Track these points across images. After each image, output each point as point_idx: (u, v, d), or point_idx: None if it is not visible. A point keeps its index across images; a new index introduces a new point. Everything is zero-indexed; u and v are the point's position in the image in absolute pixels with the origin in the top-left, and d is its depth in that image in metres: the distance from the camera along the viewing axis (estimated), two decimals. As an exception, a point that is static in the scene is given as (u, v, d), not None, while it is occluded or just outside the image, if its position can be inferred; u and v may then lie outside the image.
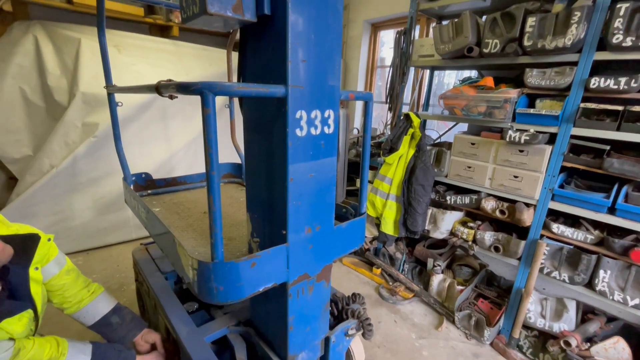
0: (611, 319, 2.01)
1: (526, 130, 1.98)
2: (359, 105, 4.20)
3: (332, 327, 1.53)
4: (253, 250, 1.25)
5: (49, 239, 1.36)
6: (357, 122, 4.17)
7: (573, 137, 1.89)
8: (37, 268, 1.29)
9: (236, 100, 2.41)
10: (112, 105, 1.80)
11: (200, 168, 3.16)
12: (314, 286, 1.24)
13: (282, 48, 0.91)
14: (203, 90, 0.79)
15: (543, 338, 2.11)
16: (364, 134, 1.33)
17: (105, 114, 2.84)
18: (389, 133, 3.02)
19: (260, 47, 1.01)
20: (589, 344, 1.87)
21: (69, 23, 2.95)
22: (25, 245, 1.25)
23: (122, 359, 1.38)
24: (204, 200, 2.01)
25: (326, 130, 1.08)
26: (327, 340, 1.47)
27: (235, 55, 2.92)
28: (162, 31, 3.67)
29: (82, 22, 3.06)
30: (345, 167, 1.34)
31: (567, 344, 1.86)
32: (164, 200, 2.04)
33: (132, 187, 1.96)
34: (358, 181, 3.23)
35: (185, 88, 0.85)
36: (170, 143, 3.36)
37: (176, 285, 1.92)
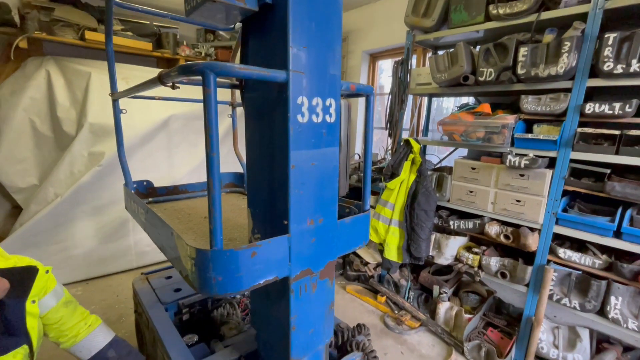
0: (628, 348, 1.93)
1: (525, 155, 2.00)
2: (359, 128, 4.27)
3: (336, 361, 1.48)
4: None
5: (47, 271, 1.35)
6: (358, 147, 4.23)
7: (572, 160, 1.90)
8: (34, 301, 1.27)
9: (238, 110, 2.45)
10: (117, 112, 1.81)
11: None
12: (318, 284, 1.19)
13: (284, 34, 0.93)
14: (204, 70, 0.81)
15: (558, 370, 2.02)
16: (366, 128, 1.32)
17: (111, 144, 2.90)
18: (390, 158, 3.05)
19: (261, 35, 1.03)
20: (606, 377, 1.78)
21: (80, 58, 3.09)
22: (22, 278, 1.23)
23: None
24: (205, 207, 1.99)
25: (328, 119, 1.08)
26: (331, 374, 1.42)
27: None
28: (169, 64, 3.82)
29: (93, 57, 3.20)
30: (347, 161, 1.32)
31: (584, 376, 1.77)
32: (164, 207, 2.02)
33: (133, 192, 1.94)
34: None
35: (187, 69, 0.86)
36: (174, 170, 3.40)
37: (176, 316, 1.88)
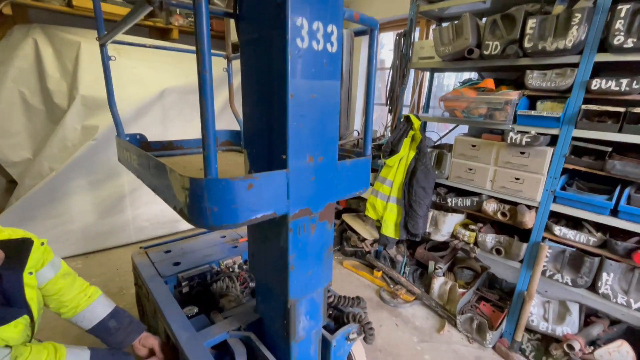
0: (614, 321, 1.99)
1: (527, 132, 1.97)
2: (359, 106, 4.19)
3: (333, 332, 1.52)
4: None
5: (42, 243, 1.35)
6: (357, 123, 4.17)
7: (574, 138, 1.88)
8: (31, 273, 1.27)
9: (234, 64, 2.33)
10: (105, 59, 1.71)
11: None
12: (317, 225, 1.19)
13: None
14: None
15: (546, 341, 2.10)
16: (369, 68, 1.25)
17: (105, 117, 2.84)
18: (389, 135, 3.02)
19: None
20: (592, 348, 1.85)
21: (68, 26, 2.95)
22: (18, 250, 1.23)
23: (120, 365, 1.36)
24: (200, 161, 1.95)
25: (329, 48, 1.03)
26: (327, 344, 1.46)
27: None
28: (162, 34, 3.67)
29: (82, 25, 3.06)
30: (348, 98, 1.29)
31: (571, 347, 1.84)
32: (159, 160, 1.98)
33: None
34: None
35: None
36: (167, 125, 3.32)
37: (175, 289, 1.91)
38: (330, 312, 1.69)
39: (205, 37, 0.78)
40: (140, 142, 2.00)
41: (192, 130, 3.44)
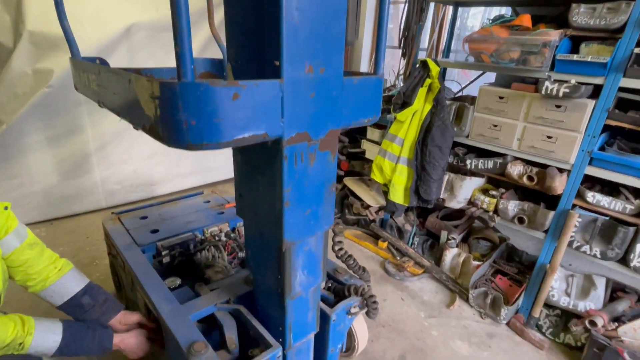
0: (643, 297, 2.08)
1: (566, 82, 1.92)
2: (365, 50, 4.04)
3: (333, 305, 1.57)
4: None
5: (6, 207, 1.34)
6: (364, 66, 4.04)
7: (621, 89, 1.83)
8: None
9: None
10: None
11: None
12: (317, 155, 1.14)
13: None
14: None
15: (565, 317, 2.20)
16: None
17: (60, 59, 2.71)
18: (402, 85, 2.93)
19: None
20: (616, 324, 1.95)
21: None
22: None
23: (97, 338, 1.42)
24: None
25: None
26: (326, 318, 1.52)
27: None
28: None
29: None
30: None
31: (593, 323, 1.94)
32: None
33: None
34: (364, 142, 3.19)
35: None
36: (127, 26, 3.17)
37: (155, 259, 1.95)
38: (330, 285, 1.74)
39: None
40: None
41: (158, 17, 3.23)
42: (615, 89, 1.82)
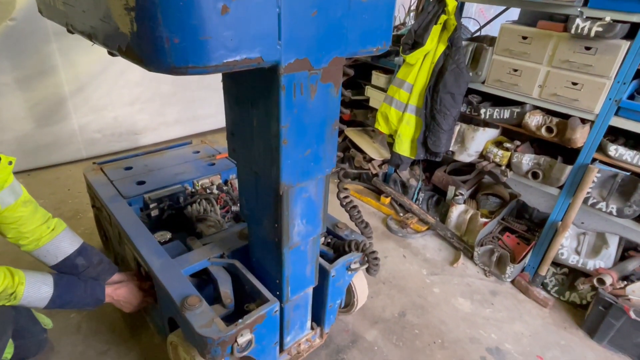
0: (656, 256, 2.14)
1: (600, 19, 1.82)
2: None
3: (332, 261, 1.61)
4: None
5: (11, 162, 1.34)
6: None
7: (662, 29, 1.74)
8: None
9: None
10: None
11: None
12: (319, 87, 1.10)
13: None
14: None
15: (573, 276, 2.28)
16: None
17: (22, -15, 2.54)
18: (413, 23, 2.79)
19: None
20: (625, 283, 2.02)
21: None
22: None
23: (89, 289, 1.47)
24: None
25: None
26: (326, 274, 1.56)
27: None
28: None
29: None
30: None
31: (601, 281, 2.01)
32: None
33: None
34: (368, 89, 3.10)
35: None
36: None
37: (142, 212, 1.96)
38: (330, 240, 1.77)
39: None
40: None
41: None
42: (655, 28, 1.74)
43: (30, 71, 2.88)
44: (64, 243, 1.51)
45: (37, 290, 1.32)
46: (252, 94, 1.11)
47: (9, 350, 1.56)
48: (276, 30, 0.90)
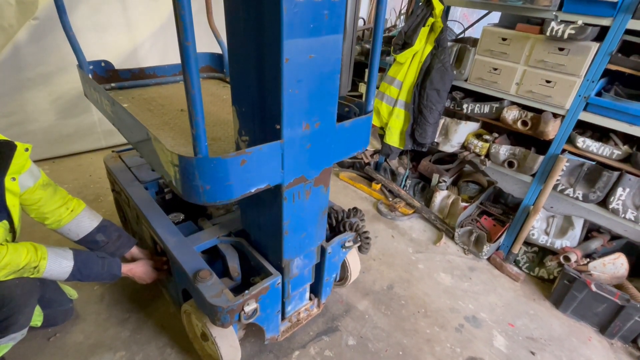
0: (615, 237, 2.17)
1: (573, 22, 1.80)
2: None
3: (329, 239, 1.62)
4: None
5: (27, 149, 1.33)
6: (363, 10, 3.77)
7: (628, 32, 1.73)
8: (13, 179, 1.28)
9: None
10: None
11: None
12: (312, 191, 1.26)
13: None
14: None
15: (542, 254, 2.31)
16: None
17: (44, -14, 2.48)
18: (403, 25, 2.76)
19: None
20: (587, 260, 2.05)
21: None
22: (0, 153, 1.22)
23: (106, 266, 1.47)
24: (179, 97, 1.90)
25: None
26: (323, 251, 1.58)
27: None
28: None
29: None
30: (352, 50, 1.24)
31: (567, 259, 2.04)
32: (132, 95, 1.92)
33: (90, 76, 1.82)
34: (361, 86, 3.07)
35: None
36: (133, 31, 3.04)
37: (157, 195, 1.96)
38: (329, 222, 1.78)
39: None
40: (106, 71, 1.95)
41: (157, 11, 3.07)
42: (622, 31, 1.73)
43: (52, 67, 2.82)
44: (83, 222, 1.53)
45: (58, 264, 1.33)
46: (261, 202, 1.30)
47: (39, 319, 1.57)
48: (280, 165, 1.08)
